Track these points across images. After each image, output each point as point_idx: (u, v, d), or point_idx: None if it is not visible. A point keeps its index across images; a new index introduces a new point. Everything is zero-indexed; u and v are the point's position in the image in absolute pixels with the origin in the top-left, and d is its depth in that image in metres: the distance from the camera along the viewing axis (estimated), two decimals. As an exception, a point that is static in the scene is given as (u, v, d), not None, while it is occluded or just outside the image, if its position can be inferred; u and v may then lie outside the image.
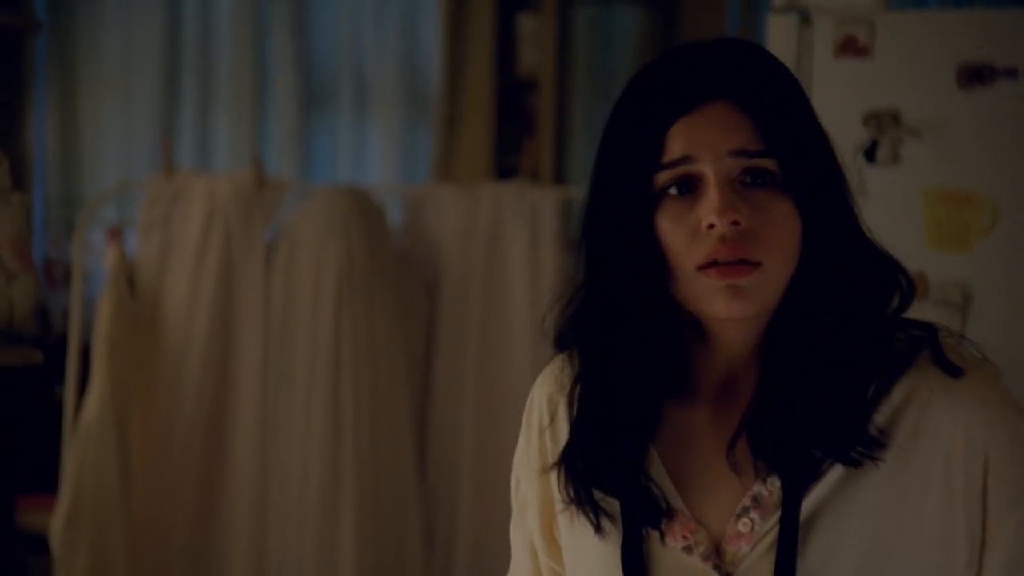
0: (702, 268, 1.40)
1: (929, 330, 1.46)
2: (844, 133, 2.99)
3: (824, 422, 1.42)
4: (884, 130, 2.99)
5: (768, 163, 1.41)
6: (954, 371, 1.44)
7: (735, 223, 1.38)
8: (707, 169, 1.40)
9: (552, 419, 1.54)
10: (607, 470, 1.46)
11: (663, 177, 1.42)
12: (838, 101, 3.01)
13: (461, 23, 5.84)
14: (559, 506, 1.52)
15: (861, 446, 1.41)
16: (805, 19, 3.06)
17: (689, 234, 1.40)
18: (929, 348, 1.45)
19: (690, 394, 1.49)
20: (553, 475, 1.52)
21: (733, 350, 1.47)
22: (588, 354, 1.48)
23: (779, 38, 3.07)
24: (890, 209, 2.96)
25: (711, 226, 1.39)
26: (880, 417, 1.43)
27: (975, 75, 2.96)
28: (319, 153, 5.79)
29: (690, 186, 1.41)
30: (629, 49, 5.99)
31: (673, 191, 1.42)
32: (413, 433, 4.19)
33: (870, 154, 2.99)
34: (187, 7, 5.75)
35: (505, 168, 5.75)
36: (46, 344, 5.09)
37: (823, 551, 1.41)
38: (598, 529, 1.47)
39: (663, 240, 1.41)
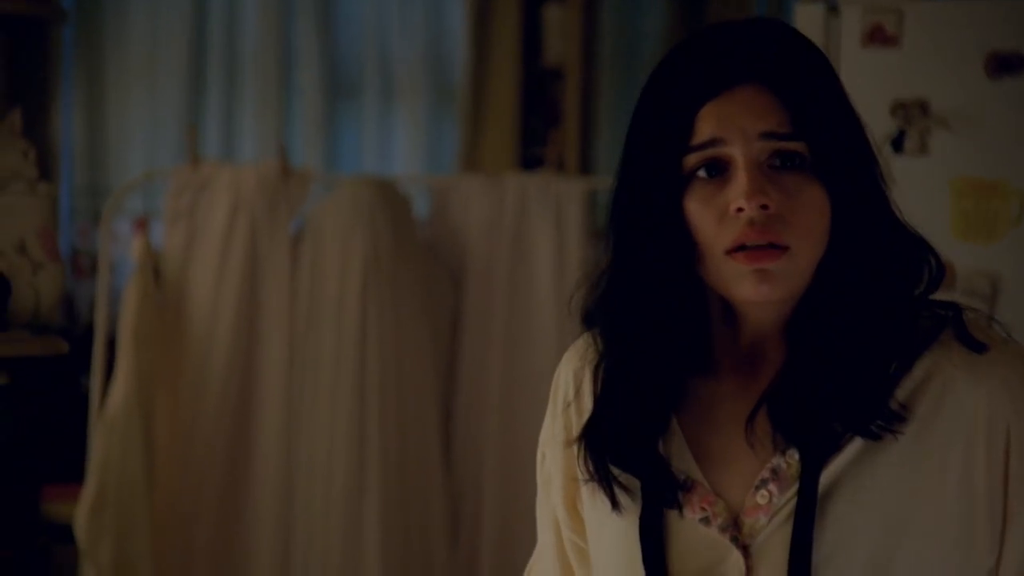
0: (730, 252, 1.39)
1: (954, 308, 1.46)
2: (871, 123, 2.95)
3: (845, 396, 1.42)
4: (912, 120, 2.98)
5: (798, 146, 1.40)
6: (978, 347, 1.43)
7: (763, 207, 1.38)
8: (736, 152, 1.40)
9: (577, 393, 1.55)
10: (627, 445, 1.47)
11: (692, 159, 1.41)
12: (866, 91, 2.99)
13: (487, 14, 5.83)
14: (582, 478, 1.52)
15: (881, 420, 1.41)
16: (832, 8, 3.05)
17: (717, 217, 1.40)
18: (953, 325, 1.45)
19: (714, 367, 1.49)
20: (575, 448, 1.52)
21: (759, 329, 1.47)
22: (612, 333, 1.48)
23: (806, 27, 3.06)
24: (917, 199, 2.92)
25: (739, 210, 1.39)
26: (902, 392, 1.43)
27: (1004, 65, 2.94)
28: (344, 144, 5.79)
29: (719, 169, 1.41)
30: (655, 39, 5.97)
31: (702, 174, 1.41)
32: (439, 424, 4.19)
33: (898, 144, 2.98)
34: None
35: (530, 159, 5.73)
36: (73, 334, 5.11)
37: (840, 524, 1.41)
38: (615, 505, 1.47)
39: (692, 222, 1.41)
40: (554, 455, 1.58)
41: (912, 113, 2.98)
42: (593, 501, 1.51)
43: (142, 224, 5.16)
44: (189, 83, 5.74)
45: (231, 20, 5.78)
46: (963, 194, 2.95)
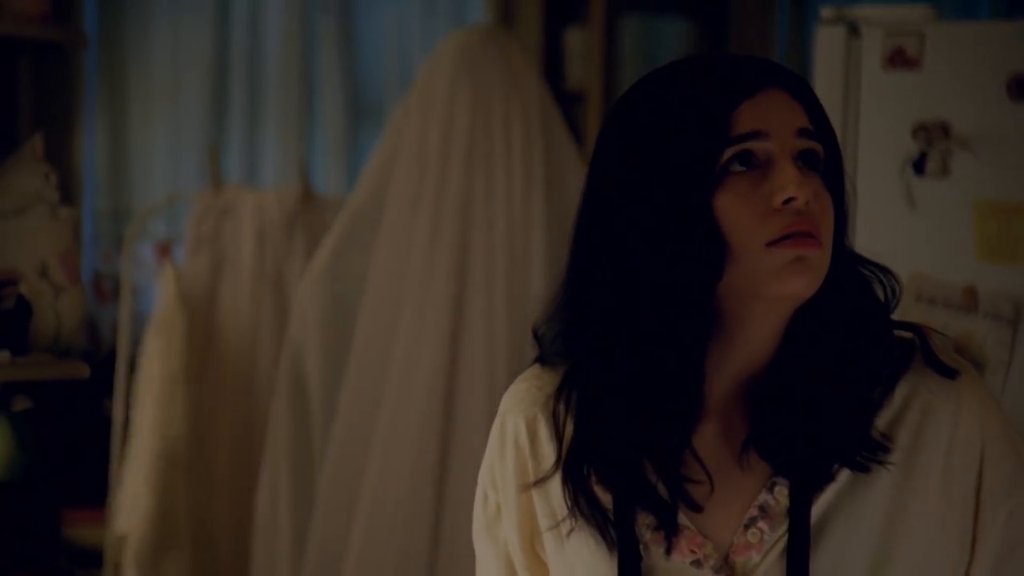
0: (773, 243, 1.38)
1: (917, 331, 1.48)
2: (893, 145, 2.98)
3: (830, 429, 1.42)
4: (933, 142, 2.97)
5: (821, 149, 1.44)
6: (950, 373, 1.46)
7: (809, 199, 1.41)
8: (776, 145, 1.41)
9: (532, 440, 1.51)
10: (617, 479, 1.45)
11: (729, 152, 1.40)
12: (887, 113, 3.00)
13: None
14: (545, 523, 1.50)
15: (866, 451, 1.42)
16: (854, 31, 3.05)
17: (760, 211, 1.39)
18: (922, 350, 1.47)
19: (704, 406, 1.48)
20: (535, 492, 1.50)
21: (752, 352, 1.45)
22: (595, 367, 1.45)
23: (827, 50, 3.06)
24: (940, 221, 2.94)
25: (787, 201, 1.39)
26: (882, 420, 1.44)
27: (1026, 87, 2.94)
28: (366, 167, 5.81)
29: (754, 163, 1.41)
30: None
31: (737, 167, 1.40)
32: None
33: (919, 166, 2.97)
34: (235, 22, 5.78)
35: (552, 182, 5.74)
36: (95, 358, 5.12)
37: (833, 556, 1.42)
38: (604, 536, 1.45)
39: (724, 220, 1.39)
40: (506, 499, 1.54)
41: (934, 135, 2.97)
42: (560, 545, 1.49)
43: (165, 249, 5.18)
44: (211, 107, 5.77)
45: (253, 44, 5.81)
46: (986, 216, 2.95)
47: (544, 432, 1.50)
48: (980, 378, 1.49)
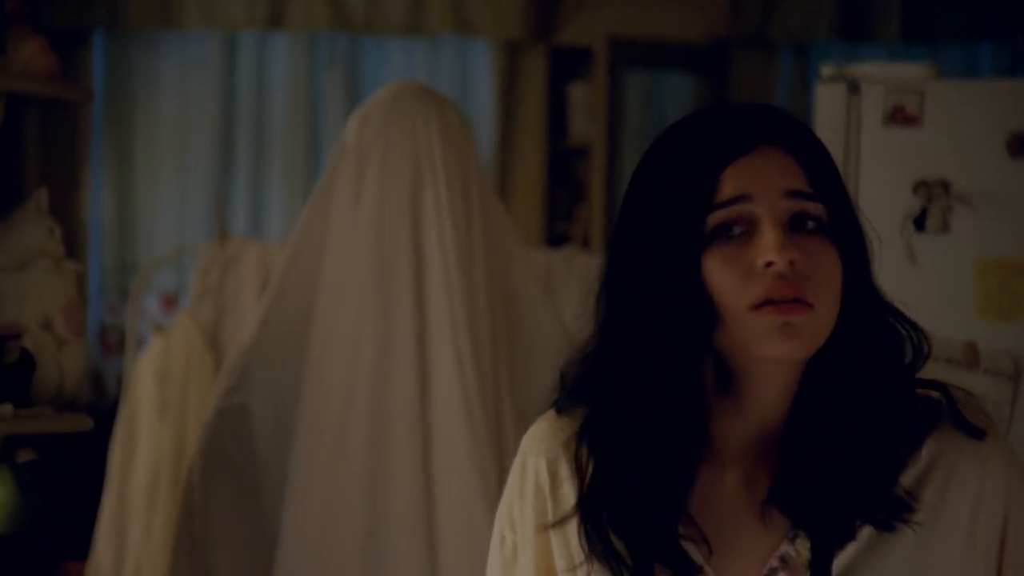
0: (756, 307, 1.39)
1: (943, 389, 1.47)
2: (893, 201, 2.98)
3: (854, 486, 1.42)
4: (933, 198, 2.98)
5: (818, 208, 1.42)
6: (977, 433, 1.45)
7: (791, 263, 1.39)
8: (762, 209, 1.40)
9: (553, 481, 1.51)
10: (636, 529, 1.45)
11: (717, 217, 1.41)
12: (887, 170, 3.01)
13: (513, 92, 5.88)
14: (561, 564, 1.50)
15: (890, 509, 1.41)
16: (854, 88, 3.07)
17: (742, 274, 1.39)
18: (949, 409, 1.46)
19: (716, 457, 1.48)
20: (554, 534, 1.50)
21: (765, 406, 1.45)
22: (612, 412, 1.46)
23: (828, 107, 3.08)
24: (940, 278, 2.95)
25: (768, 264, 1.39)
26: (908, 478, 1.43)
27: (1026, 145, 2.95)
28: (371, 220, 5.82)
29: (742, 227, 1.41)
30: (679, 117, 6.00)
31: (725, 233, 1.41)
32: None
33: (919, 223, 2.98)
34: (242, 76, 5.82)
35: (556, 235, 5.76)
36: (100, 410, 5.13)
37: None
38: None
39: (712, 282, 1.40)
40: (524, 540, 1.54)
41: (934, 192, 2.99)
42: None
43: (170, 301, 5.19)
44: (217, 161, 5.80)
45: (259, 98, 5.84)
46: (987, 273, 2.95)
47: (565, 474, 1.50)
48: (1004, 438, 1.48)
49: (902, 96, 3.03)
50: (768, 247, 1.38)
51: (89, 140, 5.69)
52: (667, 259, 1.41)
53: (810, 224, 1.41)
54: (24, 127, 5.24)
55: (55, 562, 3.40)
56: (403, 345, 2.67)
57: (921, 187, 2.99)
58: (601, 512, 1.46)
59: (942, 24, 5.73)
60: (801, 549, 1.43)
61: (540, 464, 1.52)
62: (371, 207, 2.74)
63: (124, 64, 5.77)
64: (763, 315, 1.39)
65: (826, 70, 3.12)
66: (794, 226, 1.41)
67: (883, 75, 3.07)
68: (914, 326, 1.47)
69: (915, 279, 2.91)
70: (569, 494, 1.50)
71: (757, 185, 1.40)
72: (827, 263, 1.41)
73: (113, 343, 5.66)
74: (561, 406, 1.52)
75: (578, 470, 1.49)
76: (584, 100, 5.89)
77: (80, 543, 4.13)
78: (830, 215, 1.42)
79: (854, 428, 1.43)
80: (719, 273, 1.40)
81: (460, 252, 2.74)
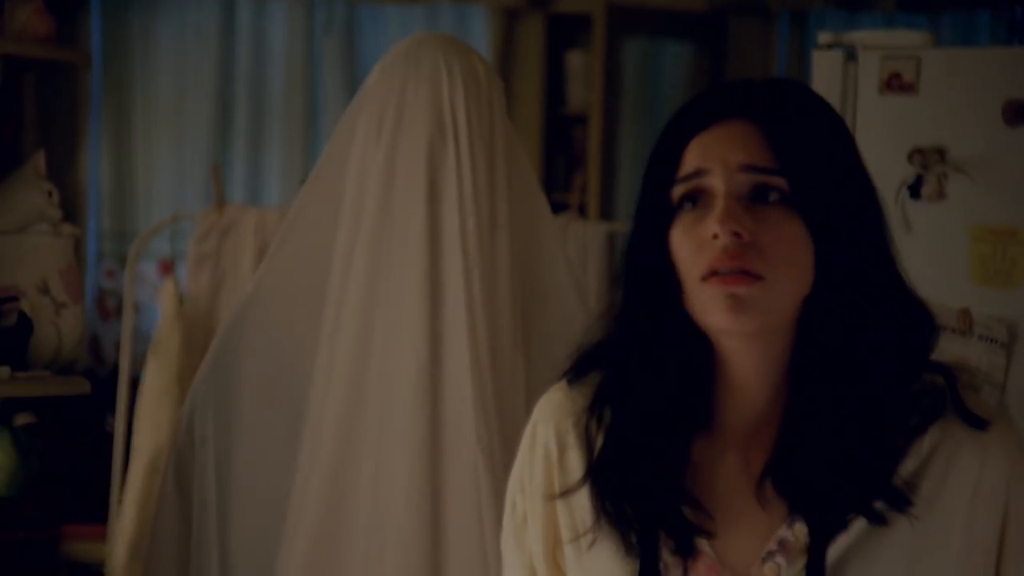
0: (704, 279, 1.41)
1: (947, 374, 1.46)
2: (889, 169, 2.98)
3: (851, 475, 1.42)
4: (929, 166, 2.99)
5: (779, 181, 1.42)
6: (978, 423, 1.45)
7: (736, 234, 1.40)
8: (717, 182, 1.43)
9: (561, 451, 1.54)
10: (639, 495, 1.47)
11: (678, 191, 1.44)
12: (883, 137, 3.01)
13: (510, 60, 5.87)
14: (567, 535, 1.52)
15: (887, 500, 1.42)
16: (851, 55, 3.07)
17: (696, 245, 1.42)
18: (951, 398, 1.45)
19: (718, 435, 1.49)
20: (560, 503, 1.52)
21: (748, 382, 1.46)
22: (613, 382, 1.49)
23: (824, 74, 3.08)
24: (935, 245, 2.95)
25: (715, 237, 1.41)
26: (907, 468, 1.43)
27: (1021, 113, 2.95)
28: (369, 188, 5.83)
29: (702, 200, 1.44)
30: (677, 85, 6.00)
31: (687, 205, 1.44)
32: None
33: (915, 190, 2.99)
34: (240, 42, 5.81)
35: (553, 203, 5.75)
36: (98, 375, 5.14)
37: None
38: (626, 552, 1.47)
39: (674, 253, 1.44)
40: (532, 507, 1.57)
41: (930, 159, 2.99)
42: (579, 557, 1.51)
43: (167, 267, 5.20)
44: (215, 127, 5.79)
45: (257, 64, 5.83)
46: (981, 240, 2.96)
47: (573, 444, 1.52)
48: (1012, 425, 1.47)
49: (898, 63, 3.03)
50: (712, 220, 1.41)
51: (87, 104, 5.69)
52: (642, 231, 1.47)
53: (772, 196, 1.42)
54: (22, 90, 5.23)
55: (54, 525, 3.42)
56: (415, 317, 2.49)
57: (917, 154, 3.00)
58: (608, 482, 1.48)
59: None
60: (799, 534, 1.44)
61: (549, 432, 1.55)
62: (382, 164, 2.52)
63: (122, 29, 5.76)
64: (710, 286, 1.41)
65: (823, 37, 3.12)
66: (756, 198, 1.42)
67: (879, 42, 3.07)
68: (919, 309, 1.46)
69: (910, 246, 2.88)
70: (576, 465, 1.51)
71: (714, 159, 1.43)
72: (786, 235, 1.41)
73: (111, 308, 5.67)
74: (572, 376, 1.54)
75: (587, 441, 1.51)
76: (581, 68, 5.88)
77: (78, 506, 4.15)
78: (797, 187, 1.42)
79: (851, 415, 1.43)
80: (678, 244, 1.44)
81: (480, 216, 2.51)
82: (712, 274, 1.41)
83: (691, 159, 1.44)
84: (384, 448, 2.49)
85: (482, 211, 2.50)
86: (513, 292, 2.52)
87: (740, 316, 1.40)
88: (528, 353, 2.57)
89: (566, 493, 1.51)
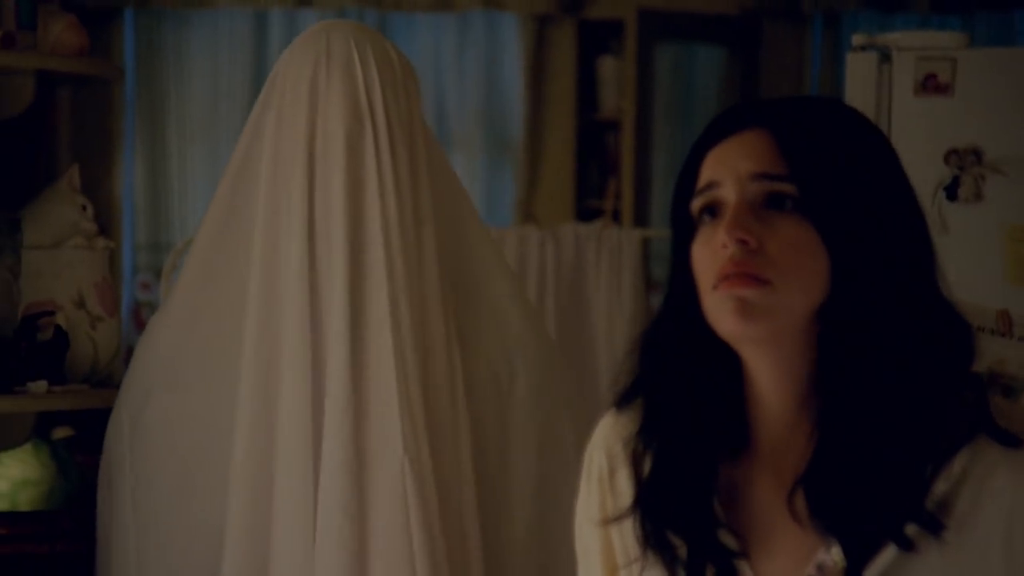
0: (715, 286, 1.42)
1: (978, 389, 1.44)
2: (925, 170, 2.97)
3: (881, 499, 1.41)
4: (965, 167, 2.97)
5: (790, 188, 1.42)
6: (1012, 442, 1.42)
7: (743, 241, 1.40)
8: (729, 192, 1.43)
9: (612, 474, 1.54)
10: (679, 518, 1.47)
11: (696, 204, 1.46)
12: (919, 139, 2.99)
13: (542, 66, 5.87)
14: (620, 559, 1.52)
15: (919, 524, 1.40)
16: (885, 57, 3.05)
17: (711, 256, 1.43)
18: (982, 418, 1.43)
19: (753, 457, 1.49)
20: (613, 529, 1.52)
21: (770, 395, 1.46)
22: (650, 405, 1.50)
23: (859, 76, 3.07)
24: (973, 246, 2.94)
25: (725, 246, 1.41)
26: (939, 491, 1.42)
27: (1059, 112, 2.94)
28: (402, 196, 5.84)
29: (716, 213, 1.45)
30: (710, 89, 5.99)
31: (706, 217, 1.45)
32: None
33: (951, 191, 2.97)
34: (273, 55, 5.82)
35: (586, 210, 5.75)
36: (134, 388, 5.14)
37: None
38: (674, 573, 1.47)
39: (694, 266, 1.45)
40: (591, 533, 1.57)
41: (966, 160, 2.97)
42: None
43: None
44: (249, 138, 5.81)
45: (290, 76, 5.85)
46: (1017, 240, 2.94)
47: (622, 470, 1.53)
48: None
49: (934, 64, 3.01)
50: (721, 229, 1.42)
51: (121, 118, 5.71)
52: (673, 245, 1.50)
53: (787, 204, 1.42)
54: (56, 105, 5.26)
55: (92, 538, 3.42)
56: (335, 318, 2.31)
57: (953, 155, 2.98)
58: (650, 508, 1.49)
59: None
60: (836, 557, 1.43)
61: (602, 458, 1.56)
62: (301, 156, 2.33)
63: (155, 42, 5.78)
64: (719, 292, 1.42)
65: (857, 39, 3.11)
66: (771, 206, 1.42)
67: (914, 43, 3.06)
68: (961, 324, 1.44)
69: (947, 248, 2.87)
70: (625, 489, 1.52)
71: (725, 170, 1.44)
72: (792, 242, 1.41)
73: (146, 321, 5.69)
74: (621, 402, 1.54)
75: (636, 465, 1.51)
76: (614, 73, 5.87)
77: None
78: (807, 194, 1.41)
79: (880, 434, 1.41)
80: (697, 258, 1.45)
81: (403, 208, 2.34)
82: (721, 280, 1.41)
83: (706, 172, 1.45)
84: (300, 457, 2.31)
85: (404, 203, 2.34)
86: (443, 289, 2.38)
87: (747, 320, 1.41)
88: (463, 353, 2.39)
89: (617, 519, 1.52)
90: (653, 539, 1.48)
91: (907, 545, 1.40)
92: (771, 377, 1.45)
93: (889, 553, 1.41)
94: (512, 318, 2.43)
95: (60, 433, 3.22)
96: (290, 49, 2.43)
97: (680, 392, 1.47)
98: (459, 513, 2.34)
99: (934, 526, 1.40)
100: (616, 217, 5.46)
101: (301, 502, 2.29)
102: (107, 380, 3.13)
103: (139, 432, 2.42)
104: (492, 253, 2.51)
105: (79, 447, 3.32)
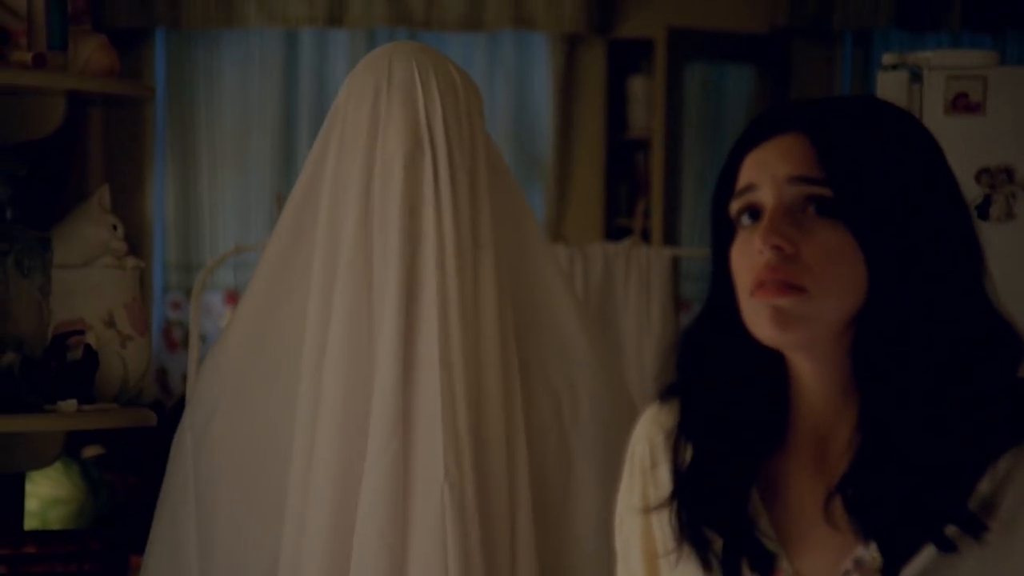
0: (752, 292, 1.42)
1: (1019, 391, 1.43)
2: (956, 189, 2.96)
3: (921, 500, 1.40)
4: (997, 186, 2.96)
5: (825, 191, 1.41)
6: None
7: (778, 247, 1.40)
8: (766, 196, 1.43)
9: (653, 465, 1.55)
10: (716, 512, 1.47)
11: (734, 207, 1.45)
12: (950, 157, 2.97)
13: (572, 85, 5.87)
14: (660, 549, 1.52)
15: (960, 526, 1.39)
16: (916, 76, 3.05)
17: (749, 261, 1.43)
18: None
19: (793, 453, 1.48)
20: (654, 517, 1.52)
21: (812, 396, 1.46)
22: (691, 401, 1.51)
23: (889, 95, 3.06)
24: (1005, 266, 2.91)
25: (761, 251, 1.41)
26: (983, 490, 1.40)
27: (1090, 130, 2.93)
28: (432, 216, 5.85)
29: (757, 215, 1.44)
30: (740, 108, 5.98)
31: (745, 220, 1.44)
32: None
33: (983, 211, 2.96)
34: (301, 73, 5.84)
35: (616, 229, 5.75)
36: (166, 406, 5.17)
37: None
38: (707, 566, 1.47)
39: (733, 269, 1.45)
40: (632, 523, 1.58)
41: (997, 179, 2.96)
42: (672, 573, 1.51)
43: (233, 298, 5.23)
44: (279, 158, 5.83)
45: (319, 95, 5.86)
46: (1051, 260, 2.93)
47: (663, 461, 1.53)
48: None
49: (964, 83, 3.00)
50: (758, 234, 1.41)
51: (151, 138, 5.73)
52: (712, 246, 1.49)
53: (824, 207, 1.40)
54: (87, 125, 5.29)
55: (122, 557, 3.43)
56: (386, 337, 2.30)
57: (984, 175, 2.97)
58: (687, 500, 1.49)
59: (1005, 11, 5.68)
60: (875, 554, 1.42)
61: (644, 449, 1.56)
62: (357, 184, 2.33)
63: (185, 62, 5.81)
64: (756, 299, 1.42)
65: (887, 58, 3.10)
66: (809, 209, 1.41)
67: (945, 62, 3.05)
68: (1008, 327, 1.43)
69: (979, 267, 2.88)
70: (665, 479, 1.52)
71: (762, 173, 1.43)
72: (828, 247, 1.40)
73: (177, 340, 5.70)
74: (664, 395, 1.55)
75: (676, 456, 1.51)
76: (643, 92, 5.87)
77: (146, 538, 4.17)
78: (842, 198, 1.40)
79: (922, 435, 1.40)
80: (736, 261, 1.44)
81: (461, 233, 2.32)
82: (757, 287, 1.41)
83: (745, 175, 1.45)
84: (346, 481, 2.30)
85: (462, 227, 2.33)
86: (502, 316, 2.35)
87: (783, 329, 1.40)
88: (524, 381, 2.35)
89: (657, 508, 1.52)
90: (688, 532, 1.48)
91: (947, 546, 1.39)
92: (813, 377, 1.45)
93: (928, 553, 1.40)
94: (578, 346, 2.40)
95: (90, 452, 3.23)
96: (353, 74, 2.43)
97: (722, 387, 1.48)
98: (511, 544, 2.30)
99: (976, 527, 1.39)
100: (645, 236, 5.45)
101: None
102: (137, 399, 3.13)
103: (203, 450, 2.44)
104: (558, 278, 2.48)
105: (109, 466, 3.33)
